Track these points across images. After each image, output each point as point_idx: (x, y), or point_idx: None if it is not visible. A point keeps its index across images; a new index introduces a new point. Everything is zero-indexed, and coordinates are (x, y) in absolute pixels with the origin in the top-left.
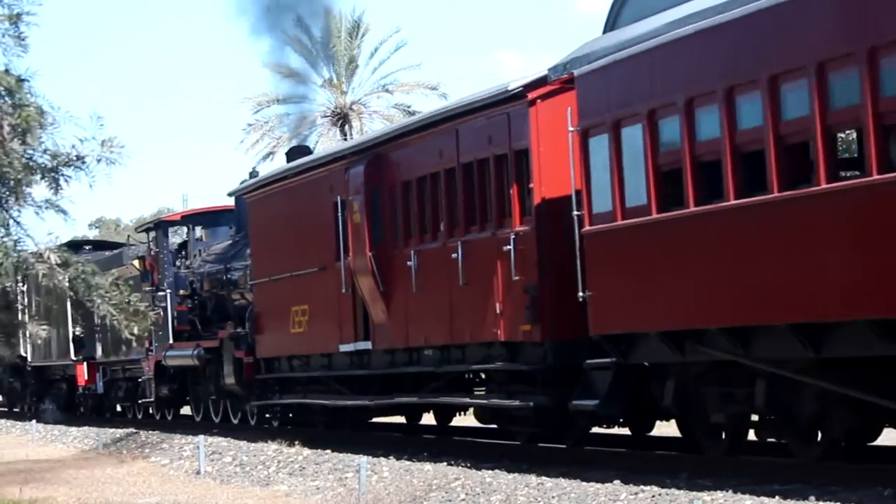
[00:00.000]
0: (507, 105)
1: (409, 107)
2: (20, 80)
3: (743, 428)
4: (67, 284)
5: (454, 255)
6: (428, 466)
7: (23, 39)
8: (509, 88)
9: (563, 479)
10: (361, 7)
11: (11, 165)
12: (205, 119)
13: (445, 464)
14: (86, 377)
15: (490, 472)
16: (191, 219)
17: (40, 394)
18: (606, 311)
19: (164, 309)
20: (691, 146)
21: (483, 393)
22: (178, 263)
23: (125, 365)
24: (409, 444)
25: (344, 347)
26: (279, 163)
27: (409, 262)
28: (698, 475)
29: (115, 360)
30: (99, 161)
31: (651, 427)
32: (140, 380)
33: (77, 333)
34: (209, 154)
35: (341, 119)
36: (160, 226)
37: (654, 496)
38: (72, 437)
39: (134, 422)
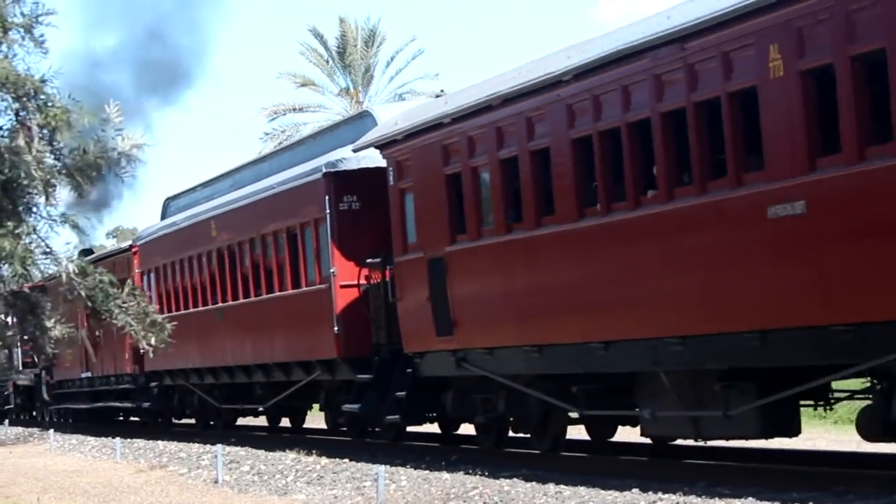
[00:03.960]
0: (128, 252)
1: None
2: (42, 81)
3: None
4: (86, 294)
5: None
6: (446, 475)
7: (42, 42)
8: (124, 246)
9: (581, 488)
10: (377, 16)
11: (39, 166)
12: (222, 128)
13: (463, 473)
14: None
15: (508, 480)
16: (35, 290)
17: None
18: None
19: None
20: (173, 283)
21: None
22: None
23: (1, 382)
24: (427, 453)
25: (83, 374)
26: None
27: (97, 332)
28: (716, 483)
29: None
30: (120, 156)
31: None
32: (5, 393)
33: None
34: (226, 164)
35: None
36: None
37: None
38: (90, 446)
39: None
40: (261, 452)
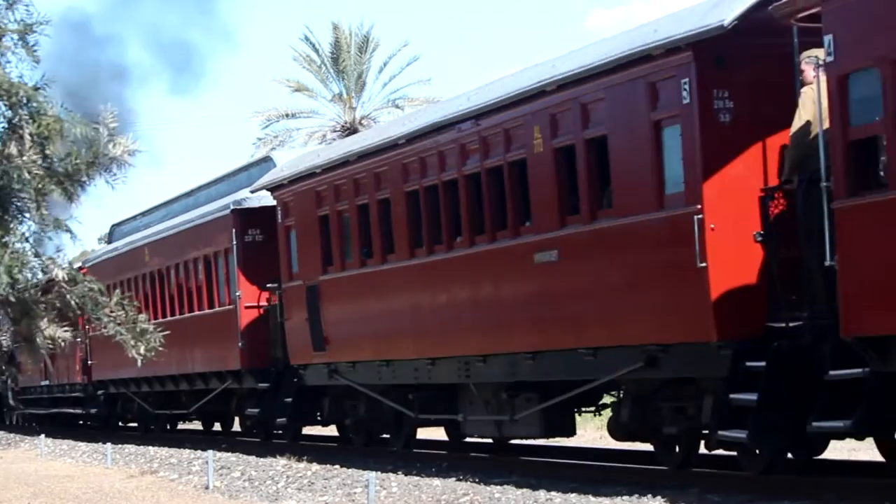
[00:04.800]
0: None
1: None
2: (36, 89)
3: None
4: (75, 303)
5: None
6: (437, 482)
7: (35, 51)
8: (76, 266)
9: (572, 495)
10: (370, 21)
11: (31, 174)
12: (215, 133)
13: (454, 479)
14: None
15: (499, 487)
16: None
17: None
18: None
19: None
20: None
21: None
22: None
23: None
24: (418, 459)
25: (42, 382)
26: None
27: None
28: (708, 491)
29: None
30: (112, 161)
31: None
32: None
33: None
34: (219, 169)
35: (350, 134)
36: None
37: None
38: (80, 451)
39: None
40: (252, 458)
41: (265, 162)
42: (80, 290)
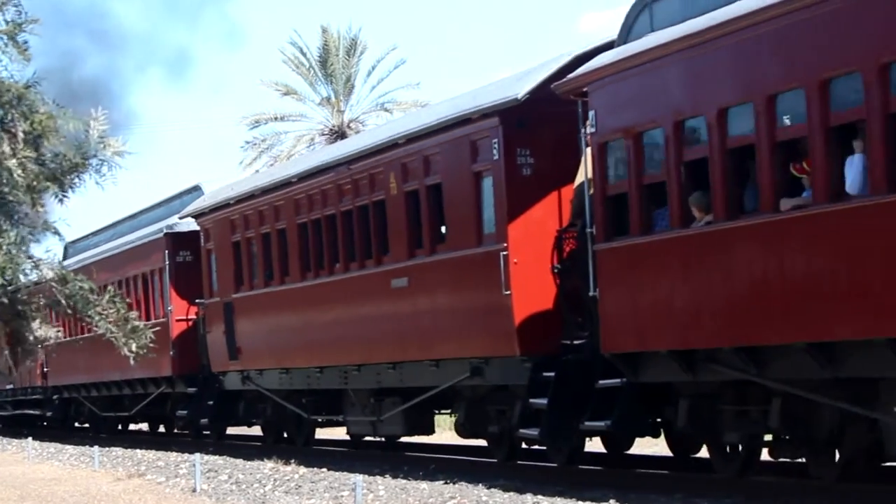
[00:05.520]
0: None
1: None
2: (27, 87)
3: None
4: (65, 302)
5: None
6: (423, 485)
7: (25, 50)
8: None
9: (559, 498)
10: (359, 25)
11: (25, 171)
12: (205, 136)
13: (441, 482)
14: None
15: (486, 490)
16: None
17: None
18: None
19: None
20: None
21: None
22: None
23: None
24: (405, 462)
25: (8, 386)
26: None
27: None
28: (694, 495)
29: None
30: (102, 162)
31: None
32: None
33: None
34: (210, 171)
35: (339, 137)
36: None
37: None
38: (68, 454)
39: None
40: (239, 461)
41: (195, 190)
42: (70, 288)
